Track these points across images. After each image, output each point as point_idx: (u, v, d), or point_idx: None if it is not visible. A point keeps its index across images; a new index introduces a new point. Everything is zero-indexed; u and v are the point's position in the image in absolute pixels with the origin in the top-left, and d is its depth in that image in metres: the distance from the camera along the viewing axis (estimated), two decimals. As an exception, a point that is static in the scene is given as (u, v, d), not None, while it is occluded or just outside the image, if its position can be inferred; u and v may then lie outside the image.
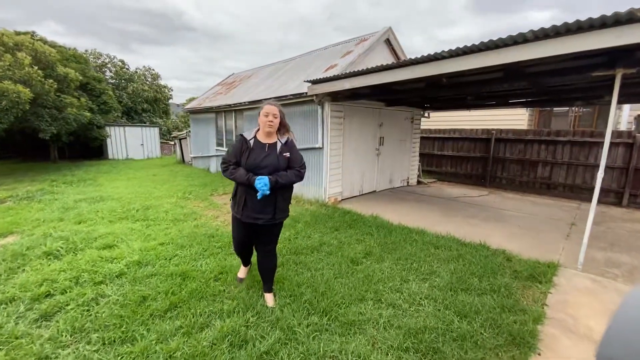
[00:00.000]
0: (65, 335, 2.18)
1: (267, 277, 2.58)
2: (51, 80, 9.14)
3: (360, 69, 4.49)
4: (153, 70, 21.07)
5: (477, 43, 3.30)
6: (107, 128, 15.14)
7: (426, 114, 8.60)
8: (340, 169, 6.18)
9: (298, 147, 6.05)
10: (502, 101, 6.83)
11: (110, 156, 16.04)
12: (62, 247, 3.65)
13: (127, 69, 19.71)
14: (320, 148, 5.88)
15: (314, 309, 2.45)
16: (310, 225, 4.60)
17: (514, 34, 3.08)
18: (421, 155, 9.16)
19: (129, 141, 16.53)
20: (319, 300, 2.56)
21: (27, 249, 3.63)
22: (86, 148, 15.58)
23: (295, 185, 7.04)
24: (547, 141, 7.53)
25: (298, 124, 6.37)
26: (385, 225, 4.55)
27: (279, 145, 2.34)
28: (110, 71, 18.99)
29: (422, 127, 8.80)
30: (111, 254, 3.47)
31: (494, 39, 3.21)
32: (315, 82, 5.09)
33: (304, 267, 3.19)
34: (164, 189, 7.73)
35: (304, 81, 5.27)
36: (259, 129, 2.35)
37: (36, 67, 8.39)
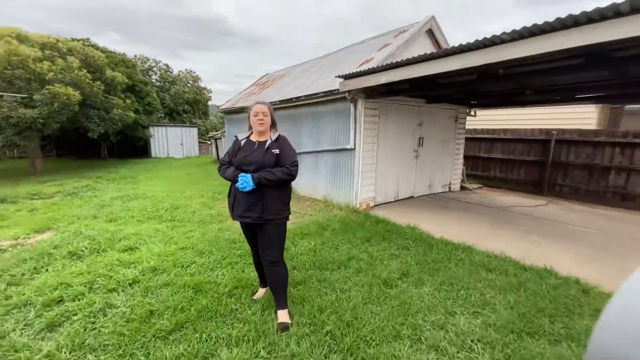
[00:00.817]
0: (64, 352, 1.99)
1: (277, 292, 2.31)
2: (99, 83, 9.71)
3: (398, 61, 3.98)
4: (194, 72, 22.02)
5: (550, 20, 2.65)
6: (151, 128, 15.99)
7: (472, 112, 7.73)
8: (373, 172, 5.68)
9: (327, 148, 5.59)
10: (567, 96, 5.84)
11: (153, 154, 16.96)
12: (86, 248, 3.62)
13: (171, 72, 20.79)
14: (351, 149, 5.43)
15: (337, 345, 2.03)
16: (338, 234, 4.17)
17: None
18: (465, 157, 8.29)
19: (170, 141, 17.36)
20: (344, 333, 2.13)
21: (54, 248, 3.65)
22: (133, 147, 16.62)
23: (324, 188, 6.52)
24: (623, 143, 6.34)
25: (328, 123, 5.98)
26: (424, 239, 3.98)
27: (268, 142, 2.25)
28: (156, 74, 20.14)
29: (467, 127, 7.94)
30: (130, 258, 3.35)
31: (575, 13, 2.54)
32: (347, 77, 4.65)
33: (328, 287, 2.78)
34: (196, 188, 7.78)
35: (336, 76, 4.86)
36: (253, 131, 2.32)
37: (85, 71, 8.94)
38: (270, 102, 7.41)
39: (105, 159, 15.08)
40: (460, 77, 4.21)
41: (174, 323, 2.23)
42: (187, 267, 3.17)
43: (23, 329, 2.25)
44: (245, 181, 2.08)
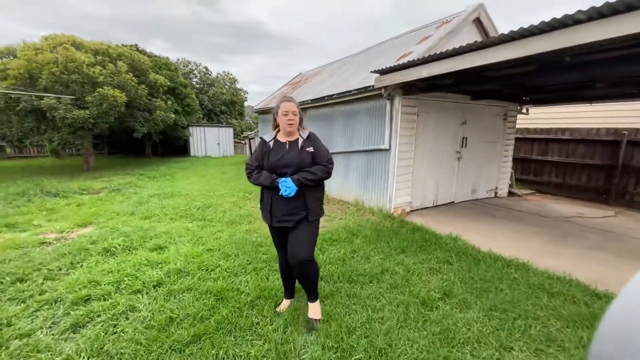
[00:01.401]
0: (83, 357, 1.93)
1: (309, 287, 2.24)
2: (143, 86, 10.26)
3: (442, 51, 3.56)
4: (231, 74, 22.74)
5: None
6: (190, 128, 16.72)
7: (524, 110, 6.95)
8: (410, 175, 5.26)
9: (360, 148, 5.28)
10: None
11: (192, 154, 17.74)
12: (119, 245, 3.68)
13: (210, 74, 21.66)
14: (386, 150, 5.07)
15: (368, 378, 1.75)
16: (370, 242, 3.86)
17: None
18: (515, 160, 7.48)
19: (207, 140, 18.05)
20: (376, 364, 1.84)
21: (91, 243, 3.76)
22: (174, 146, 17.52)
23: (355, 191, 6.24)
24: None
25: (362, 123, 5.66)
26: (469, 252, 3.52)
27: (300, 141, 2.14)
28: (196, 77, 21.10)
29: (517, 126, 7.15)
30: (158, 258, 3.33)
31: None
32: (383, 71, 4.31)
33: (358, 303, 2.49)
34: (229, 187, 7.88)
35: (371, 72, 4.54)
36: (279, 131, 2.19)
37: (131, 74, 9.49)
38: (302, 101, 7.26)
39: (149, 157, 16.04)
40: (515, 69, 3.68)
41: (192, 334, 2.09)
42: (211, 271, 3.07)
43: (50, 327, 2.26)
44: (288, 186, 2.00)
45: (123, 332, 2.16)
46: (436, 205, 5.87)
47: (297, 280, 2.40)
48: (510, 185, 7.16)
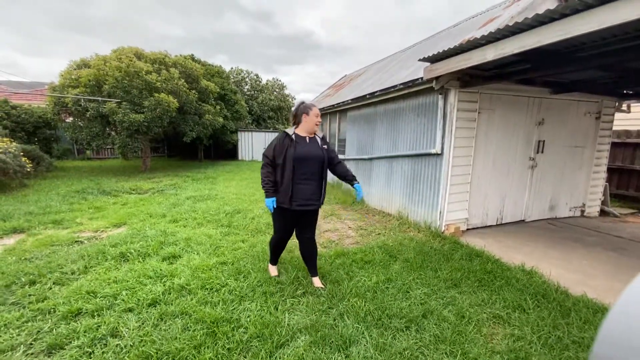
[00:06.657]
0: (37, 396, 1.59)
1: (311, 263, 2.75)
2: (194, 91, 10.70)
3: (517, 22, 2.69)
4: (280, 81, 23.21)
5: None
6: (239, 133, 17.28)
7: (624, 106, 5.44)
8: (467, 185, 4.32)
9: (405, 152, 5.23)
10: None
11: (240, 157, 18.31)
12: (135, 251, 3.48)
13: (260, 81, 22.37)
14: (437, 154, 4.22)
15: None
16: (412, 269, 3.08)
17: None
18: (609, 171, 5.92)
19: (254, 145, 18.48)
20: None
21: (112, 246, 3.63)
22: (224, 150, 18.28)
23: (399, 202, 5.75)
24: None
25: (408, 123, 4.87)
26: (551, 295, 2.55)
27: (318, 140, 2.55)
28: (247, 84, 21.95)
29: (614, 128, 5.62)
30: (166, 269, 3.02)
31: None
32: (435, 58, 3.51)
33: (386, 363, 1.80)
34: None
35: (419, 60, 3.77)
36: (297, 127, 2.55)
37: (183, 80, 9.93)
38: (342, 102, 6.69)
39: (201, 160, 16.90)
40: (627, 43, 2.64)
41: (163, 383, 1.63)
42: (215, 292, 2.63)
43: (30, 345, 2.00)
44: (360, 189, 2.68)
45: (92, 366, 1.80)
46: (501, 224, 4.77)
47: (302, 258, 2.84)
48: (603, 202, 5.63)
